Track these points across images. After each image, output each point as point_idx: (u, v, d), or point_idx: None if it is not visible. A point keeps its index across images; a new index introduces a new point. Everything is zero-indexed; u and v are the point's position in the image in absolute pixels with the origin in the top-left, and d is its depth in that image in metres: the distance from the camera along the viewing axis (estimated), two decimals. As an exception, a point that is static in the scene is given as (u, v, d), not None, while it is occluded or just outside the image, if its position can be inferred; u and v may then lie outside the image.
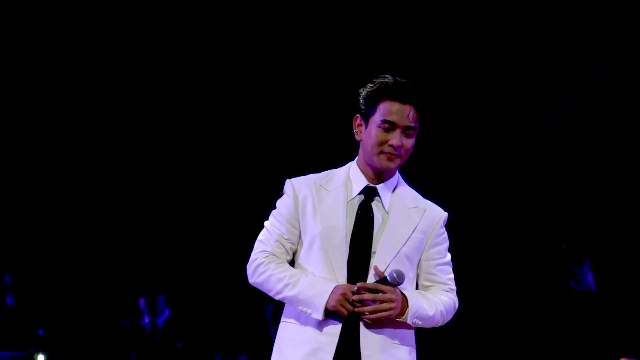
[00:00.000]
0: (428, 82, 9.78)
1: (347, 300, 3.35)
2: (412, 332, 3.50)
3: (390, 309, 3.34)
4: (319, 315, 3.37)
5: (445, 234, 3.56)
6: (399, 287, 3.38)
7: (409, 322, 3.40)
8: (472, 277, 9.49)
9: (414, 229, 3.47)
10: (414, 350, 3.51)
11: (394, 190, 3.52)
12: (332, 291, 3.36)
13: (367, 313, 3.35)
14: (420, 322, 3.44)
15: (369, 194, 3.50)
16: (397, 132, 3.43)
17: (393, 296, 3.35)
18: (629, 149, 9.61)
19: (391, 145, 3.42)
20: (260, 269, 3.50)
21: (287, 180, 3.56)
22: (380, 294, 3.35)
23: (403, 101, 3.44)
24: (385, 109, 3.43)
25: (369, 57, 9.77)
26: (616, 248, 9.42)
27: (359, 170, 3.52)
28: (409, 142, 3.45)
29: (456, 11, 9.67)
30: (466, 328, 9.40)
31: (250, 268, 3.55)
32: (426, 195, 3.64)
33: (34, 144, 9.88)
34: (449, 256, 3.58)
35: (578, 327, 8.20)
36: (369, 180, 3.51)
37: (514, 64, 9.69)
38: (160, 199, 10.01)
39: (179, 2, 9.80)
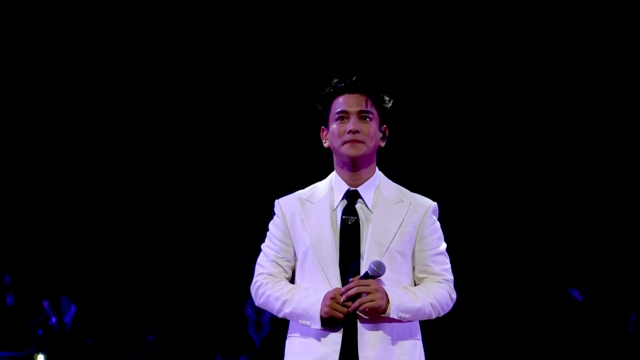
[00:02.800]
0: (428, 82, 9.78)
1: (339, 303, 3.39)
2: (413, 327, 3.52)
3: (375, 298, 3.37)
4: (317, 325, 3.42)
5: (437, 224, 3.59)
6: (381, 277, 3.41)
7: (393, 316, 3.41)
8: (472, 277, 9.49)
9: (400, 223, 3.50)
10: (419, 342, 3.54)
11: (376, 189, 3.56)
12: (323, 298, 3.41)
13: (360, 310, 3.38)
14: (407, 316, 3.44)
15: (352, 197, 3.54)
16: (353, 118, 3.49)
17: (376, 286, 3.39)
18: (629, 149, 9.61)
19: (350, 132, 3.48)
20: (260, 291, 3.58)
21: (275, 201, 3.63)
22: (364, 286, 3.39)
23: (351, 91, 3.53)
24: (337, 104, 3.53)
25: (369, 57, 9.77)
26: (616, 248, 9.42)
27: (338, 177, 3.57)
28: (367, 126, 3.51)
29: (456, 12, 9.67)
30: (466, 328, 9.40)
31: (252, 291, 3.63)
32: (427, 195, 3.64)
33: (34, 144, 9.88)
34: (443, 246, 3.59)
35: (578, 327, 8.21)
36: (349, 185, 3.55)
37: (513, 64, 9.70)
38: (160, 199, 10.00)
39: (178, 2, 9.80)
